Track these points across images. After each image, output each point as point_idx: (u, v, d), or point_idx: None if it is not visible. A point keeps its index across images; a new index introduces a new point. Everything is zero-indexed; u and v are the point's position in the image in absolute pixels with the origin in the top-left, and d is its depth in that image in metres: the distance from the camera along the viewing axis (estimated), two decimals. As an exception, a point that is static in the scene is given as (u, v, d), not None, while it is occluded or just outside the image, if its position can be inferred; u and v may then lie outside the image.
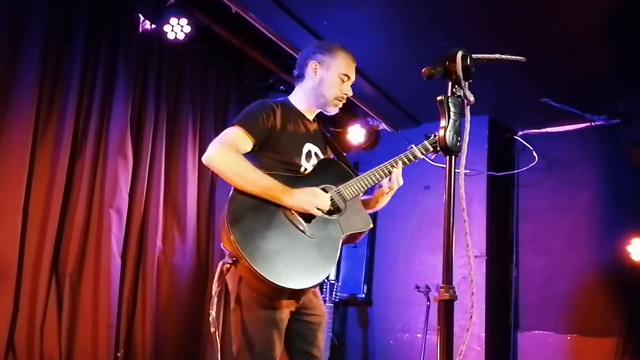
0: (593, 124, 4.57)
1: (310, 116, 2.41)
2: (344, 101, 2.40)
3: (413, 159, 2.34)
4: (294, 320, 2.14)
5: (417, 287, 4.61)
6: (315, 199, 2.08)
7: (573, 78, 4.10)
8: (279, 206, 2.05)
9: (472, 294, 1.49)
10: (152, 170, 4.01)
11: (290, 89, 4.71)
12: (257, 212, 2.01)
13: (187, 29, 3.74)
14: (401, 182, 2.32)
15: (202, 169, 4.40)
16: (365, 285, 5.09)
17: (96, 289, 3.55)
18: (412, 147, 2.35)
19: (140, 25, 3.93)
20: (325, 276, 2.07)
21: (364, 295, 5.07)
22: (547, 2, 3.26)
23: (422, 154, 2.34)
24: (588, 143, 4.69)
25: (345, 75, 2.33)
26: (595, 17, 3.33)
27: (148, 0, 3.73)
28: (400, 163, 2.31)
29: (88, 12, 3.68)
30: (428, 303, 4.50)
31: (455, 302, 1.36)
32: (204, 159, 2.11)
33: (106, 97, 3.76)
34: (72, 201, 3.55)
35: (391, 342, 4.90)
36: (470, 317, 1.48)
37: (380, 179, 2.29)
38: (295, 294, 2.06)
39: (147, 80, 4.04)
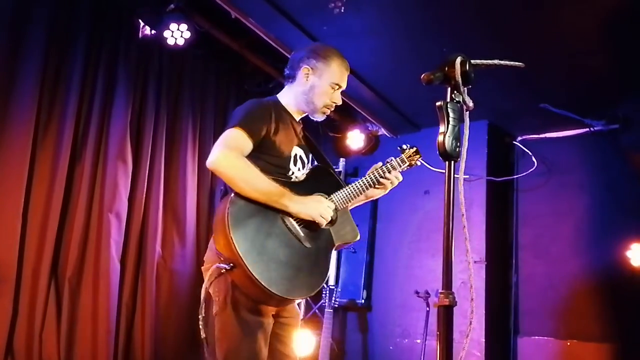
0: (592, 129, 4.58)
1: (297, 117, 2.38)
2: (332, 109, 2.39)
3: (393, 170, 2.37)
4: (274, 324, 2.16)
5: (417, 292, 4.61)
6: (320, 206, 2.11)
7: (572, 83, 4.11)
8: (277, 213, 2.05)
9: (472, 299, 1.49)
10: (152, 175, 4.01)
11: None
12: (257, 218, 2.00)
13: (187, 34, 3.74)
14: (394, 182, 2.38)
15: (202, 173, 4.40)
16: (364, 290, 5.08)
17: (95, 293, 3.55)
18: (391, 160, 2.39)
19: (141, 31, 3.94)
20: (319, 288, 2.09)
21: (363, 301, 5.06)
22: (546, 8, 3.27)
23: (400, 165, 2.38)
24: (587, 148, 4.70)
25: (337, 84, 2.32)
26: (595, 22, 3.34)
27: (148, 5, 3.74)
28: (386, 173, 2.35)
29: (89, 18, 3.69)
30: (427, 308, 4.50)
31: (454, 308, 1.36)
32: (209, 163, 2.05)
33: (106, 101, 3.77)
34: (72, 206, 3.56)
35: (391, 347, 4.89)
36: (470, 323, 1.48)
37: (367, 190, 2.32)
38: (283, 303, 2.09)
39: (147, 85, 4.05)
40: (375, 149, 5.43)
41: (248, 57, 4.31)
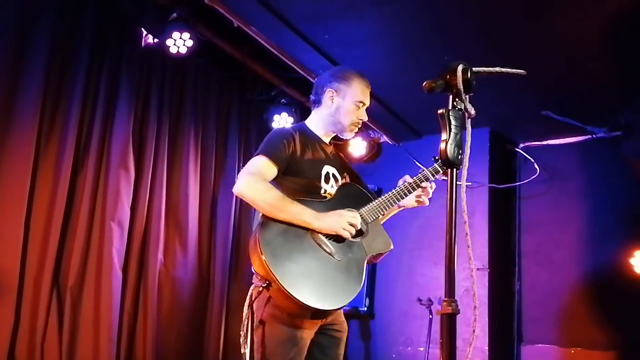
0: (594, 136, 4.58)
1: (327, 139, 2.53)
2: (360, 126, 2.52)
3: (425, 180, 2.45)
4: (319, 334, 2.23)
5: (420, 300, 4.59)
6: (342, 219, 2.17)
7: (574, 90, 4.11)
8: (307, 230, 2.14)
9: (475, 307, 1.48)
10: (154, 183, 4.01)
11: (291, 102, 4.77)
12: (287, 237, 2.10)
13: (190, 43, 3.76)
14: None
15: (204, 181, 4.40)
16: (367, 298, 5.06)
17: (97, 302, 3.54)
18: (423, 170, 2.46)
19: (143, 40, 3.96)
20: (354, 297, 2.13)
21: (366, 309, 5.04)
22: (547, 15, 3.28)
23: (433, 175, 2.45)
24: (589, 155, 4.70)
25: (361, 102, 2.46)
26: (596, 29, 3.35)
27: (151, 14, 3.77)
28: (419, 183, 2.44)
29: (92, 27, 3.71)
30: (430, 316, 4.48)
31: (457, 315, 1.36)
32: (234, 190, 2.21)
33: (109, 110, 3.78)
34: (74, 214, 3.56)
35: (393, 355, 4.87)
36: (473, 331, 1.47)
37: (399, 201, 2.40)
38: (320, 314, 2.14)
39: (149, 93, 4.07)
40: (377, 157, 5.43)
41: (250, 65, 4.33)
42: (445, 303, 1.36)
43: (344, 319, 2.39)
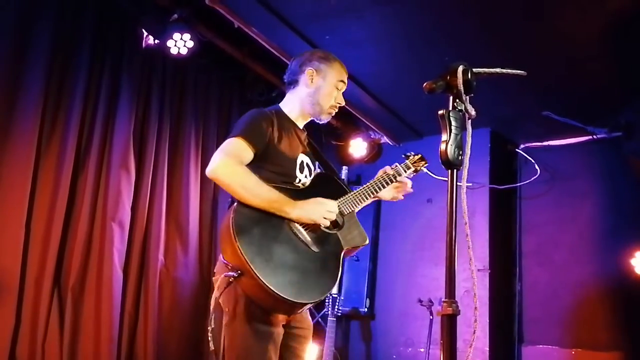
0: (595, 136, 4.58)
1: (301, 124, 2.41)
2: (336, 110, 2.43)
3: (398, 175, 2.44)
4: (286, 335, 2.14)
5: (420, 300, 4.59)
6: (321, 207, 2.10)
7: (574, 90, 4.11)
8: (283, 219, 2.04)
9: (476, 308, 1.48)
10: (155, 184, 4.02)
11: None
12: (262, 225, 1.99)
13: (190, 43, 3.77)
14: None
15: (205, 182, 4.41)
16: (367, 299, 5.06)
17: (98, 302, 3.54)
18: (396, 165, 2.46)
19: (144, 41, 3.96)
20: (330, 291, 2.08)
21: (366, 309, 5.05)
22: (547, 16, 3.28)
23: (404, 170, 2.46)
24: (590, 156, 4.69)
25: (341, 81, 2.37)
26: (597, 30, 3.35)
27: (152, 15, 3.77)
28: (392, 179, 2.43)
29: (92, 28, 3.71)
30: (431, 317, 4.48)
31: (458, 316, 1.35)
32: (208, 171, 2.06)
33: (110, 111, 3.79)
34: (75, 214, 3.56)
35: (394, 356, 4.87)
36: (474, 332, 1.47)
37: (375, 194, 2.36)
38: (293, 309, 2.03)
39: (150, 94, 4.07)
40: (377, 157, 5.44)
41: (250, 65, 4.33)
42: (445, 304, 1.35)
43: (308, 314, 2.29)
